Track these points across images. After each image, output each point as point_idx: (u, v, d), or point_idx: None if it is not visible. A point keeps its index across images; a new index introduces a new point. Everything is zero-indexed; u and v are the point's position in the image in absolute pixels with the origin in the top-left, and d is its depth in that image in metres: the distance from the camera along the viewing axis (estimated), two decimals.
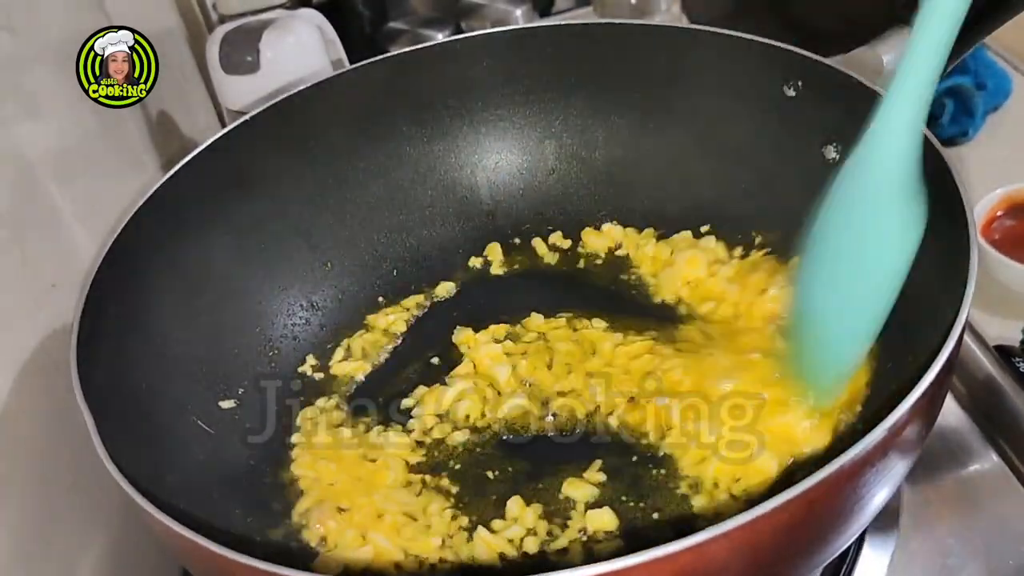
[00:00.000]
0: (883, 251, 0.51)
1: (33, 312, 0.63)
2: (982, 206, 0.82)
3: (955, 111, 0.94)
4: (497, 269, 0.79)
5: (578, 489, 0.61)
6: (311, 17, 0.91)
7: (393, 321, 0.76)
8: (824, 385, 0.58)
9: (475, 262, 0.80)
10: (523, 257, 0.80)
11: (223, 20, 0.90)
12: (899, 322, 0.59)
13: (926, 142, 0.57)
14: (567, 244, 0.80)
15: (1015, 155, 0.93)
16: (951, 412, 0.70)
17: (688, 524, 0.58)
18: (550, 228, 0.81)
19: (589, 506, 0.60)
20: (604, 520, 0.59)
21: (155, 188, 0.66)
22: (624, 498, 0.60)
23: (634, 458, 0.63)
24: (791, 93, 0.68)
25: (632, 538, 0.58)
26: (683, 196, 0.77)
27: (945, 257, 0.52)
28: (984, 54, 0.99)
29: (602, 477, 0.62)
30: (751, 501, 0.57)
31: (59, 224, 0.68)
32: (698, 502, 0.59)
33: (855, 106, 0.63)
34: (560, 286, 0.77)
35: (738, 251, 0.74)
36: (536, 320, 0.73)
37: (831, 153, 0.67)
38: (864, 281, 0.53)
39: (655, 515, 0.59)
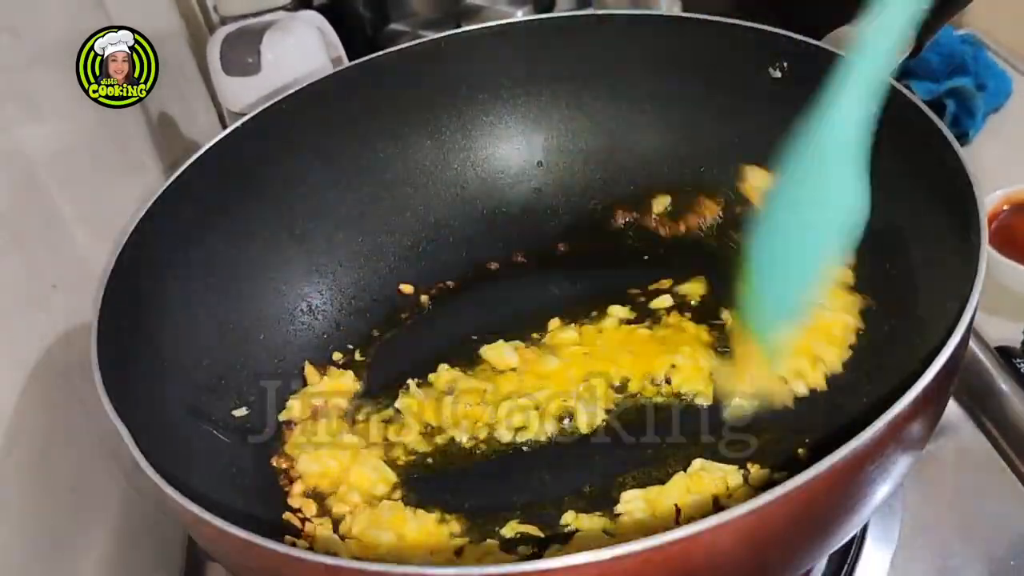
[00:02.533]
0: (836, 207, 0.54)
1: (33, 313, 0.63)
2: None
3: (956, 112, 0.94)
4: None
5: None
6: (312, 19, 0.91)
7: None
8: (770, 334, 0.59)
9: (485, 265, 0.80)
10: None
11: (224, 21, 0.90)
12: (906, 318, 0.60)
13: (946, 143, 0.57)
14: (566, 247, 0.80)
15: (1015, 155, 0.93)
16: (951, 412, 0.70)
17: None
18: (550, 226, 0.81)
19: None
20: None
21: (159, 193, 0.65)
22: None
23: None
24: (777, 75, 0.69)
25: None
26: (672, 179, 0.79)
27: (955, 254, 0.53)
28: (984, 54, 0.99)
29: None
30: None
31: (60, 225, 0.68)
32: None
33: None
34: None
35: None
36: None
37: None
38: (815, 234, 0.55)
39: None
